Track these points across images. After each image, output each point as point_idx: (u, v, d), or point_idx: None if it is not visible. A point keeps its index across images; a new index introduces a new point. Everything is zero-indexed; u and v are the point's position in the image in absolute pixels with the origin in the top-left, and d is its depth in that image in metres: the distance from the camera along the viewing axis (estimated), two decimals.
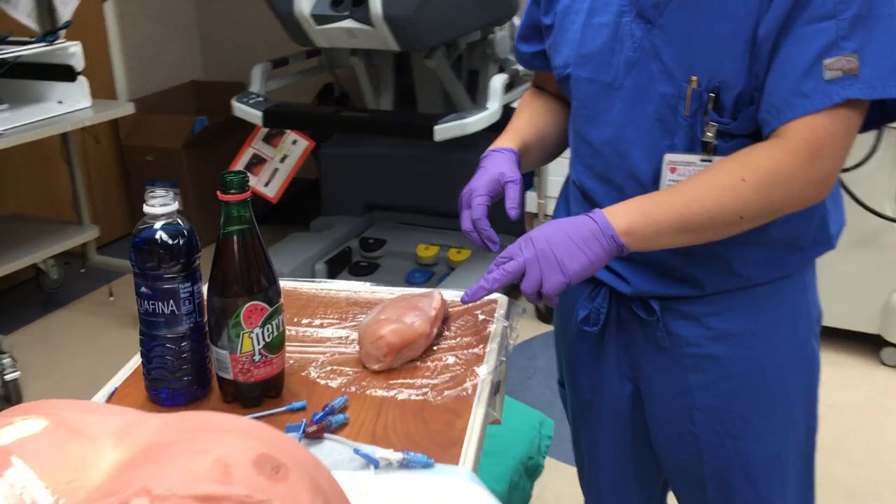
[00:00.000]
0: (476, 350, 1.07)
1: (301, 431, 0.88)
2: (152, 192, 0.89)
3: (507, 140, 1.18)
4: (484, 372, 1.01)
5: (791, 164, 0.96)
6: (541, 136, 1.23)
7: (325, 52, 3.33)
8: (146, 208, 0.89)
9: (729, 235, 1.00)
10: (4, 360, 2.61)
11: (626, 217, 0.98)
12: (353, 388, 0.98)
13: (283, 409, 0.93)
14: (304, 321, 1.13)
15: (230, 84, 3.88)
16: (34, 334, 3.18)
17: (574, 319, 1.22)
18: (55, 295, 3.44)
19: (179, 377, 0.93)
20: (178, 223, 0.91)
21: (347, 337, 1.10)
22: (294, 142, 3.36)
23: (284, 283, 1.11)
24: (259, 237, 0.92)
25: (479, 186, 1.08)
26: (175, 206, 0.90)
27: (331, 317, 1.15)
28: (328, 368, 1.02)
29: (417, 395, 0.97)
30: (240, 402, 0.94)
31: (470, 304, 1.08)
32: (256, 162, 3.36)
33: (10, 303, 3.38)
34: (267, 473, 0.57)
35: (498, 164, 1.11)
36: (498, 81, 2.86)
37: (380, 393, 0.97)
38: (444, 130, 2.81)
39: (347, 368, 1.02)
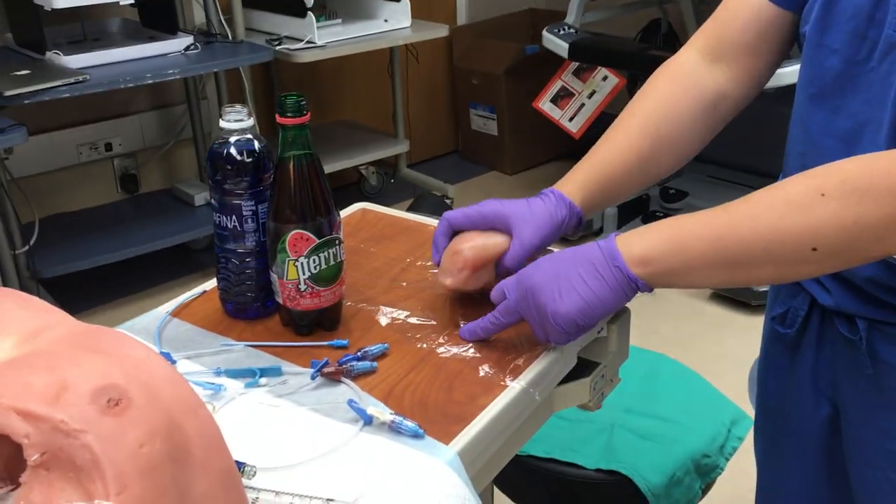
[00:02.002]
0: None
1: (317, 370, 0.85)
2: (230, 107, 0.90)
3: (575, 183, 0.95)
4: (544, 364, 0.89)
5: None
6: (631, 170, 0.96)
7: None
8: (221, 122, 0.90)
9: (801, 275, 0.75)
10: None
11: (645, 242, 0.77)
12: (401, 335, 0.93)
13: (324, 343, 0.91)
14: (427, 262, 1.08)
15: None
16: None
17: (769, 312, 1.02)
18: (372, 198, 3.73)
19: (243, 292, 0.95)
20: (252, 141, 0.91)
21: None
22: (605, 78, 3.23)
23: None
24: (318, 165, 0.89)
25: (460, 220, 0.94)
26: (249, 122, 0.90)
27: None
28: (403, 314, 0.98)
29: (463, 355, 0.89)
30: (292, 328, 0.94)
31: None
32: (564, 95, 3.30)
33: (337, 200, 3.74)
34: (100, 404, 0.56)
35: (522, 219, 0.92)
36: None
37: (424, 346, 0.91)
38: None
39: (416, 318, 0.97)
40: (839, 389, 0.96)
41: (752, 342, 2.66)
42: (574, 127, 3.30)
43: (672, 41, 3.50)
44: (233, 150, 0.90)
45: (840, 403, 0.97)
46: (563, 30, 3.05)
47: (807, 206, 0.70)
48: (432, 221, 1.20)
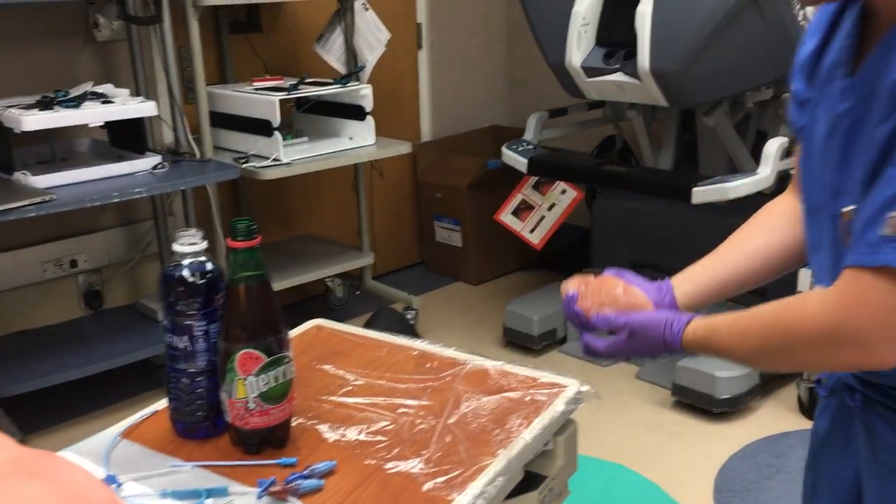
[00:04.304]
0: (511, 427, 0.97)
1: (264, 489, 0.86)
2: (184, 231, 0.94)
3: (688, 281, 1.19)
4: (496, 468, 0.91)
5: (818, 326, 0.88)
6: (740, 280, 1.17)
7: (608, 104, 3.27)
8: (174, 246, 0.94)
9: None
10: None
11: (695, 329, 1.02)
12: (349, 452, 0.94)
13: (273, 461, 0.93)
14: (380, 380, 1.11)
15: None
16: None
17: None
18: (338, 311, 3.76)
19: (193, 412, 0.96)
20: (205, 263, 0.94)
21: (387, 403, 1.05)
22: (563, 191, 3.34)
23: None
24: (267, 285, 0.92)
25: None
26: (202, 246, 0.94)
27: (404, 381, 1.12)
28: (352, 431, 0.99)
29: (409, 471, 0.91)
30: (241, 447, 0.95)
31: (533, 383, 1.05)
32: (524, 208, 3.40)
33: (302, 313, 3.75)
34: None
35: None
36: (773, 146, 2.60)
37: (371, 462, 0.92)
38: (703, 193, 2.61)
39: (359, 432, 0.98)
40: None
41: (716, 450, 2.69)
42: (535, 238, 3.38)
43: (626, 156, 3.64)
44: (185, 273, 0.94)
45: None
46: (522, 146, 3.17)
47: (757, 348, 0.97)
48: (386, 338, 1.23)
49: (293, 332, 1.26)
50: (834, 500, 1.11)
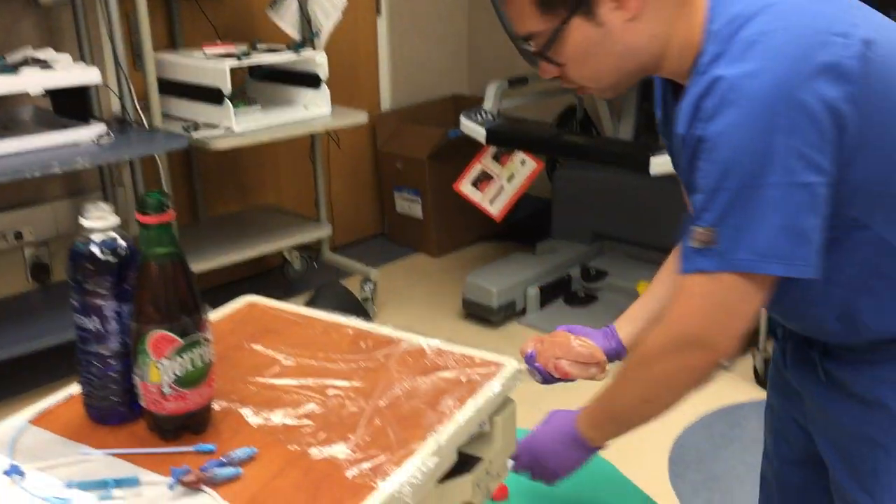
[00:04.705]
0: (444, 409, 0.93)
1: (176, 479, 0.82)
2: (92, 206, 0.88)
3: (629, 323, 1.32)
4: (425, 452, 0.87)
5: (664, 339, 1.04)
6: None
7: None
8: (82, 221, 0.88)
9: (662, 410, 1.08)
10: None
11: (587, 418, 1.15)
12: (273, 437, 0.90)
13: (190, 448, 0.88)
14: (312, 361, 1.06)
15: None
16: None
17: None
18: (296, 284, 3.70)
19: (106, 396, 0.91)
20: (116, 240, 0.89)
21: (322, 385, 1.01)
22: (523, 162, 3.29)
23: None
24: (183, 263, 0.87)
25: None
26: (111, 222, 0.88)
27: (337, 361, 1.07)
28: (278, 414, 0.95)
29: (334, 457, 0.86)
30: (157, 433, 0.90)
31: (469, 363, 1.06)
32: (484, 178, 3.35)
33: (260, 286, 3.68)
34: None
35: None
36: None
37: (295, 448, 0.88)
38: (662, 164, 2.58)
39: (291, 414, 0.94)
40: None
41: (671, 422, 2.68)
42: (495, 209, 3.34)
43: (587, 126, 3.60)
44: (95, 250, 0.88)
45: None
46: (482, 115, 3.11)
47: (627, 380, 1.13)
48: (322, 315, 1.18)
49: (225, 309, 1.21)
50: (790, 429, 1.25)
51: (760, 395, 2.73)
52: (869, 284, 1.01)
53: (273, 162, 3.73)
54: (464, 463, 0.99)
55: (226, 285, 3.64)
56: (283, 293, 3.62)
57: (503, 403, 1.02)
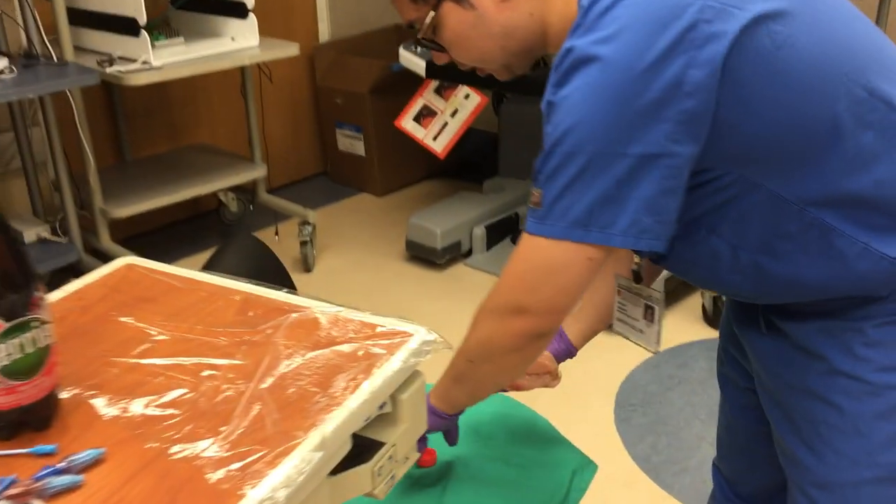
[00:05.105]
0: (336, 391, 0.80)
1: (0, 492, 0.68)
2: None
3: (575, 321, 1.33)
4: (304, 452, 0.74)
5: (489, 304, 1.03)
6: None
7: None
8: None
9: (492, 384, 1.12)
10: None
11: (436, 386, 1.14)
12: (129, 432, 0.76)
13: (24, 451, 0.74)
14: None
15: None
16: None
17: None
18: (233, 227, 3.53)
19: None
20: None
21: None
22: (466, 96, 3.12)
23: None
24: (7, 231, 0.72)
25: None
26: None
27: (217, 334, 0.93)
28: (139, 403, 0.81)
29: (198, 456, 0.73)
30: None
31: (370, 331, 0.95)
32: (426, 114, 3.18)
33: (195, 230, 3.52)
34: None
35: None
36: None
37: (153, 446, 0.75)
38: None
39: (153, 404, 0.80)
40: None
41: (618, 363, 2.60)
42: (438, 146, 3.18)
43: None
44: None
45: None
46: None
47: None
48: (208, 279, 1.04)
49: (100, 273, 1.06)
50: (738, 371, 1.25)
51: (709, 333, 2.67)
52: (773, 245, 0.96)
53: (205, 98, 3.51)
54: (366, 447, 0.86)
55: (159, 230, 3.47)
56: (222, 237, 3.46)
57: (410, 379, 0.90)
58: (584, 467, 1.45)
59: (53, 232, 2.80)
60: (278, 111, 3.74)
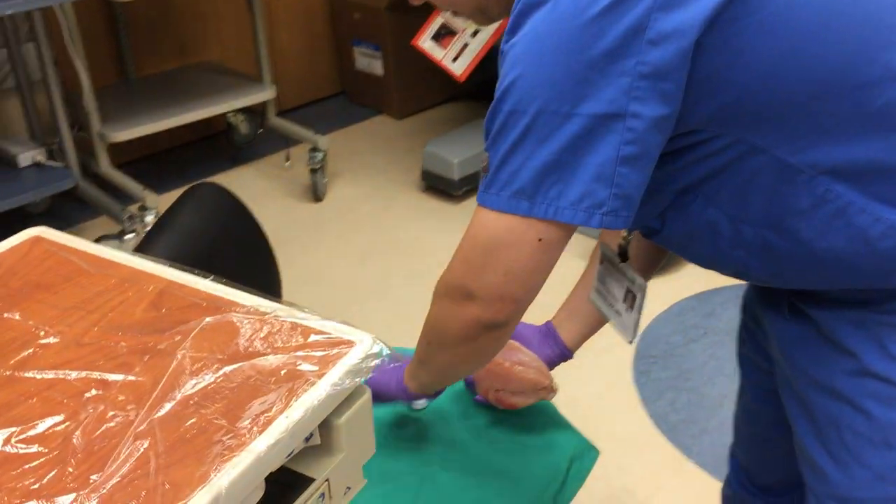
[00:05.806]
0: (244, 425, 0.64)
1: None
2: None
3: (568, 319, 1.21)
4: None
5: (441, 285, 0.90)
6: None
7: None
8: None
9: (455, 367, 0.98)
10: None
11: (409, 365, 1.03)
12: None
13: None
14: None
15: None
16: None
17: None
18: (243, 151, 3.36)
19: None
20: None
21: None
22: None
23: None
24: None
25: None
26: None
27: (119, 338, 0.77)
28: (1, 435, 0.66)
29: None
30: None
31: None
32: (445, 33, 2.94)
33: (203, 153, 3.36)
34: None
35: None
36: None
37: (3, 500, 0.60)
38: None
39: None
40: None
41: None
42: (458, 69, 2.95)
43: None
44: None
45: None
46: None
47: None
48: (126, 260, 0.87)
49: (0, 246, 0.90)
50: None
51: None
52: (780, 220, 0.83)
53: (214, 12, 3.29)
54: (289, 485, 0.71)
55: (167, 151, 3.32)
56: (231, 161, 3.30)
57: (349, 400, 0.73)
58: (585, 453, 1.30)
59: (51, 156, 2.66)
60: (293, 27, 3.51)
